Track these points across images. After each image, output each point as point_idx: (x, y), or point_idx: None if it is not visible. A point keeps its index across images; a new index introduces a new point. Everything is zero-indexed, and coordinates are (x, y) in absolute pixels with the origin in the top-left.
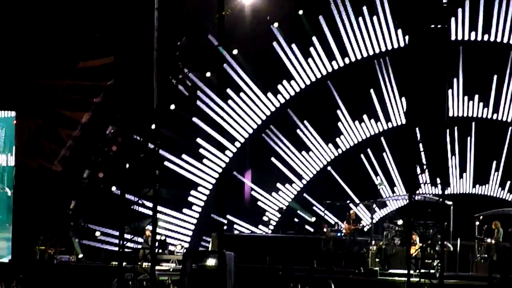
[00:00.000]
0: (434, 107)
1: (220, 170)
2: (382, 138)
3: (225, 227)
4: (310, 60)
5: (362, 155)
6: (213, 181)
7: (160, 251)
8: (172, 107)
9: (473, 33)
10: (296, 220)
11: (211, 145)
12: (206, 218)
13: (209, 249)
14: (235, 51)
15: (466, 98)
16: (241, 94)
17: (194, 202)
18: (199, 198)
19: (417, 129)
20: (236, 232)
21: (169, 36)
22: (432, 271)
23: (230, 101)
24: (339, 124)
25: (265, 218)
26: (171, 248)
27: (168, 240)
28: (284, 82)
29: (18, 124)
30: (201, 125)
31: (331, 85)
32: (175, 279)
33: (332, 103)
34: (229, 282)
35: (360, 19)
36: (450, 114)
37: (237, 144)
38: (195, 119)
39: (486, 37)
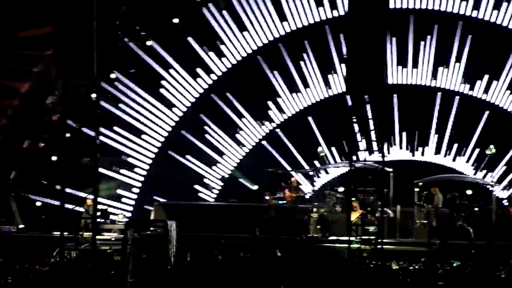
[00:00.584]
0: (373, 75)
1: (162, 139)
2: (321, 107)
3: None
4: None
5: (303, 124)
6: (155, 150)
7: (102, 220)
8: (113, 76)
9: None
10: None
11: (152, 114)
12: (148, 187)
13: (152, 218)
14: (175, 20)
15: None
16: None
17: (136, 171)
18: (141, 168)
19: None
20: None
21: (109, 5)
22: (372, 237)
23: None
24: (280, 92)
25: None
26: (113, 217)
27: (110, 209)
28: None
29: None
30: (142, 93)
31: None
32: (117, 248)
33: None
34: (171, 251)
35: None
36: (390, 82)
37: (179, 113)
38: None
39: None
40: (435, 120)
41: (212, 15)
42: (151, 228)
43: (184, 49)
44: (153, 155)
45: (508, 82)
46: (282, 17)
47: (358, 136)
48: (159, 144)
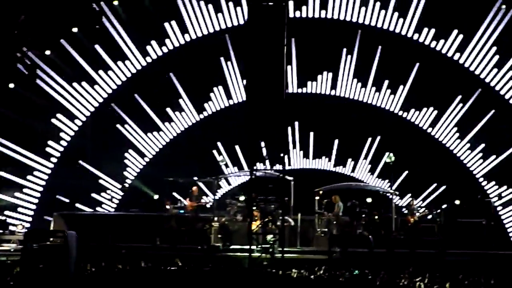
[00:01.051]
0: (273, 84)
1: (61, 149)
2: (222, 116)
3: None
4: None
5: (205, 132)
6: (54, 160)
7: (1, 231)
8: (12, 85)
9: (310, 11)
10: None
11: (52, 125)
12: (48, 197)
13: (51, 228)
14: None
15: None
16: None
17: (35, 181)
18: (40, 178)
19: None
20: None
21: (8, 14)
22: (273, 245)
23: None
24: (181, 101)
25: (107, 196)
26: (11, 228)
27: (9, 220)
28: (126, 61)
29: None
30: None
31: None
32: (16, 259)
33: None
34: (71, 261)
35: None
36: (290, 91)
37: (78, 123)
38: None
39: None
40: (336, 129)
41: (112, 25)
42: (51, 239)
43: (84, 58)
44: (52, 165)
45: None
46: (182, 26)
47: (260, 145)
48: (58, 154)
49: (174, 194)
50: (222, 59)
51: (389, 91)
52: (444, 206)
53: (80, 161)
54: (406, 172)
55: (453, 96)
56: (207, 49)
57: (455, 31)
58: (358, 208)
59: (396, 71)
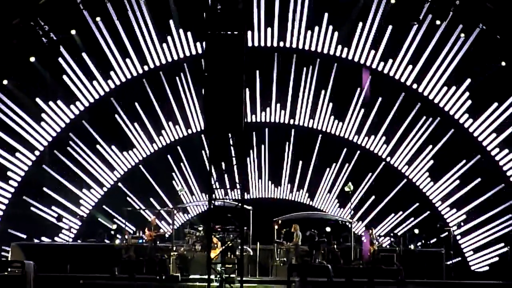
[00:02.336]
0: (231, 113)
1: (19, 178)
2: (180, 145)
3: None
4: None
5: (162, 162)
6: (12, 190)
7: None
8: None
9: (269, 40)
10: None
11: (8, 153)
12: (5, 228)
13: (9, 258)
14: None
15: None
16: (39, 101)
17: None
18: None
19: (214, 135)
20: (36, 241)
21: None
22: (232, 275)
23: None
24: (139, 130)
25: (65, 226)
26: None
27: None
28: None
29: None
30: None
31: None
32: None
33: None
34: None
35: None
36: (250, 120)
37: (36, 153)
38: None
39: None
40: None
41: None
42: (8, 269)
43: (40, 88)
44: (9, 195)
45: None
46: (141, 56)
47: (217, 175)
48: (15, 184)
49: (131, 224)
50: (180, 88)
51: (347, 118)
52: (403, 234)
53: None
54: (365, 200)
55: (410, 123)
56: (165, 78)
57: (407, 58)
58: (317, 238)
59: (353, 99)
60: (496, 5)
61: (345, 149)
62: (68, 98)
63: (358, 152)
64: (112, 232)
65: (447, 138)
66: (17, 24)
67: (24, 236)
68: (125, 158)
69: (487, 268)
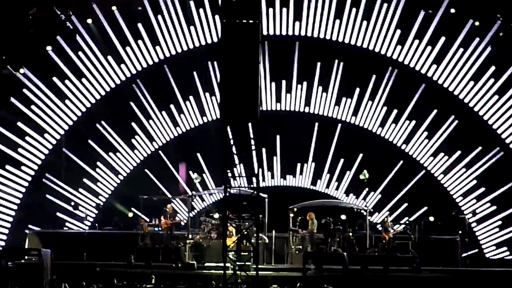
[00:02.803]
0: (247, 101)
1: (36, 167)
2: (197, 133)
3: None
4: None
5: (179, 150)
6: (29, 178)
7: None
8: None
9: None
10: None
11: (25, 141)
12: (23, 215)
13: (26, 246)
14: (49, 48)
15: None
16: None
17: (9, 199)
18: (14, 195)
19: (231, 123)
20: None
21: None
22: (248, 263)
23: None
24: (155, 119)
25: (81, 214)
26: None
27: None
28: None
29: None
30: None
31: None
32: None
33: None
34: (46, 279)
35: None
36: (265, 108)
37: (53, 140)
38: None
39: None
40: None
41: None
42: (26, 257)
43: (57, 76)
44: (26, 183)
45: (380, 107)
46: (156, 43)
47: (234, 162)
48: (32, 172)
49: (149, 212)
50: (196, 76)
51: (363, 107)
52: (418, 222)
53: (49, 176)
54: (380, 189)
55: (427, 112)
56: (181, 66)
57: (429, 48)
58: (333, 225)
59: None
60: None
61: (361, 138)
62: (85, 86)
63: (374, 140)
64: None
65: (466, 129)
66: (33, 14)
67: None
68: (141, 146)
69: (503, 255)
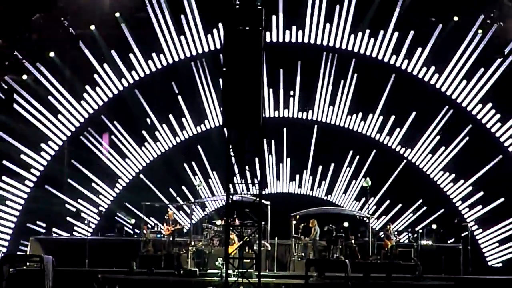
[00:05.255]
0: (250, 109)
1: (38, 173)
2: (199, 140)
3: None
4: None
5: (180, 157)
6: (31, 184)
7: None
8: None
9: (287, 35)
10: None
11: (28, 148)
12: (24, 222)
13: (28, 253)
14: (51, 54)
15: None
16: (58, 97)
17: (11, 206)
18: (16, 202)
19: (233, 130)
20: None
21: None
22: (250, 270)
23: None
24: (158, 126)
25: (84, 221)
26: None
27: None
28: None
29: None
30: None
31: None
32: None
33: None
34: (47, 286)
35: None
36: (267, 115)
37: (55, 147)
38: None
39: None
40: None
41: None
42: (27, 264)
43: (60, 83)
44: (28, 190)
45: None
46: (159, 51)
47: (236, 169)
48: (34, 179)
49: (151, 218)
50: (199, 83)
51: (363, 114)
52: (421, 230)
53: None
54: (382, 196)
55: (427, 119)
56: (184, 73)
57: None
58: (335, 233)
59: (370, 94)
60: None
61: (362, 145)
62: (88, 93)
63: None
64: (130, 227)
65: (468, 137)
66: (37, 20)
67: (43, 230)
68: (144, 153)
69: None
